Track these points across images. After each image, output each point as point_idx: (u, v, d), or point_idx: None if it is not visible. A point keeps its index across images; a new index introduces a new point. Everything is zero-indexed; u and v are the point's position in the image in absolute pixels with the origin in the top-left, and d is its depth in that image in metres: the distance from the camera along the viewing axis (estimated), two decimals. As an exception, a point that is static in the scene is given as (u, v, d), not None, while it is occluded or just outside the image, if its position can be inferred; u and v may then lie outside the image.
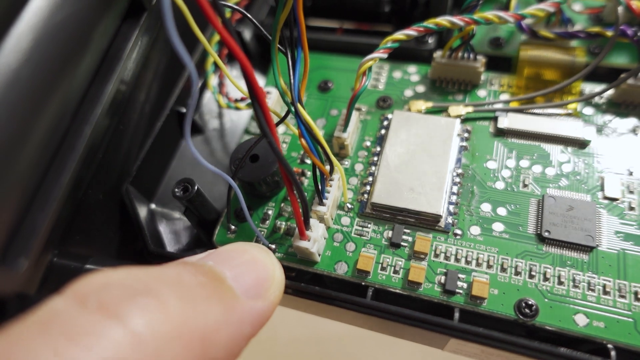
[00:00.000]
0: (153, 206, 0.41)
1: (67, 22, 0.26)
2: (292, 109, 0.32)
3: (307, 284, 0.38)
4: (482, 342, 0.28)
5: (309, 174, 0.40)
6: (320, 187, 0.35)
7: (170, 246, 0.39)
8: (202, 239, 0.40)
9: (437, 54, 0.42)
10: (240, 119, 0.47)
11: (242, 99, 0.44)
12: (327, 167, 0.35)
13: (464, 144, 0.39)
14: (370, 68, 0.36)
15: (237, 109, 0.44)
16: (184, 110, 0.43)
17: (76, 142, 0.28)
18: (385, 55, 0.36)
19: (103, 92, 0.30)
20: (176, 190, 0.35)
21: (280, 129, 0.43)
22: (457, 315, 0.31)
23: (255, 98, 0.25)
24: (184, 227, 0.42)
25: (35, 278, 0.28)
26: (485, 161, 0.38)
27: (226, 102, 0.44)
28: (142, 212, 0.38)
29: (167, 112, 0.41)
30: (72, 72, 0.27)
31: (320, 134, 0.32)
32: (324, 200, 0.36)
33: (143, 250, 0.36)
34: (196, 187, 0.35)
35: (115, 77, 0.31)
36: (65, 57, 0.27)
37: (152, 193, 0.41)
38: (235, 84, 0.33)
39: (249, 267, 0.21)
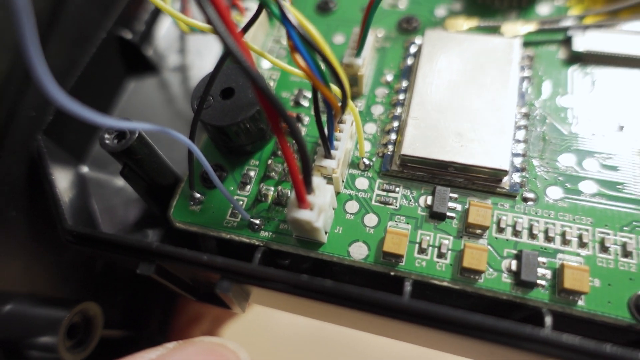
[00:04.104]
0: (85, 169, 0.29)
1: None
2: (274, 9, 0.20)
3: (307, 274, 0.27)
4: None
5: (306, 120, 0.28)
6: (326, 130, 0.23)
7: (108, 225, 0.27)
8: (154, 215, 0.28)
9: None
10: (210, 51, 0.34)
11: (212, 22, 0.32)
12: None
13: (527, 74, 0.28)
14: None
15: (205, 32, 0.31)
16: (129, 36, 0.31)
17: None
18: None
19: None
20: (106, 136, 0.23)
21: (265, 64, 0.31)
22: (549, 320, 0.20)
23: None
24: (132, 200, 0.30)
25: None
26: (558, 97, 0.27)
27: (190, 28, 0.32)
28: (64, 176, 0.26)
29: (103, 36, 0.29)
30: None
31: (323, 41, 0.21)
32: (333, 152, 0.24)
33: (58, 229, 0.24)
34: (137, 133, 0.23)
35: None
36: None
37: (82, 150, 0.29)
38: None
39: None
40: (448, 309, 0.18)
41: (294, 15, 0.20)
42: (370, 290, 0.20)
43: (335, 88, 0.22)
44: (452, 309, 0.18)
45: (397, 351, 0.49)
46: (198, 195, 0.26)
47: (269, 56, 0.24)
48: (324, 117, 0.23)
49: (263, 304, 0.28)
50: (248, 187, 0.26)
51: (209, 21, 0.17)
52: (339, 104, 0.23)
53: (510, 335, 0.18)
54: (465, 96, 0.26)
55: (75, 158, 0.28)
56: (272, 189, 0.26)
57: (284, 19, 0.20)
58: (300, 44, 0.20)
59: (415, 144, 0.25)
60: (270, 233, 0.24)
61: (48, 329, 0.25)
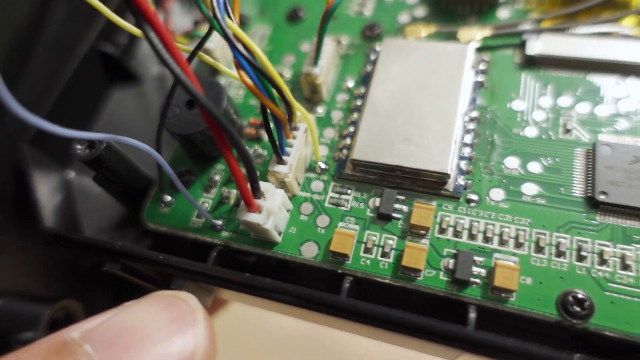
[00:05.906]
0: (72, 175, 0.31)
1: None
2: (215, 23, 0.21)
3: (272, 271, 0.29)
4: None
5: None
6: (277, 139, 0.25)
7: (91, 227, 0.30)
8: (130, 217, 0.30)
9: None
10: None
11: (187, 33, 0.34)
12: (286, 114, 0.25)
13: (480, 79, 0.29)
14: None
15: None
16: (111, 50, 0.33)
17: None
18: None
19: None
20: (77, 147, 0.25)
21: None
22: (472, 315, 0.21)
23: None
24: (115, 202, 0.32)
25: None
26: (510, 101, 0.28)
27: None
28: (48, 181, 0.29)
29: (85, 51, 0.31)
30: None
31: (265, 58, 0.22)
32: (284, 157, 0.26)
33: (40, 231, 0.26)
34: (105, 143, 0.25)
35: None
36: None
37: (69, 156, 0.31)
38: None
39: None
40: (372, 305, 0.20)
41: (236, 32, 0.22)
42: (305, 288, 0.21)
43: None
44: (375, 305, 0.20)
45: (379, 351, 0.50)
46: (168, 197, 0.28)
47: (222, 67, 0.26)
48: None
49: (235, 299, 0.30)
50: (213, 190, 0.28)
51: (152, 47, 0.19)
52: (286, 117, 0.24)
53: (423, 330, 0.19)
54: (416, 102, 0.27)
55: (62, 164, 0.31)
56: (234, 191, 0.28)
57: (226, 38, 0.22)
58: (243, 60, 0.22)
59: (364, 149, 0.26)
60: (231, 233, 0.26)
61: (30, 324, 0.26)
